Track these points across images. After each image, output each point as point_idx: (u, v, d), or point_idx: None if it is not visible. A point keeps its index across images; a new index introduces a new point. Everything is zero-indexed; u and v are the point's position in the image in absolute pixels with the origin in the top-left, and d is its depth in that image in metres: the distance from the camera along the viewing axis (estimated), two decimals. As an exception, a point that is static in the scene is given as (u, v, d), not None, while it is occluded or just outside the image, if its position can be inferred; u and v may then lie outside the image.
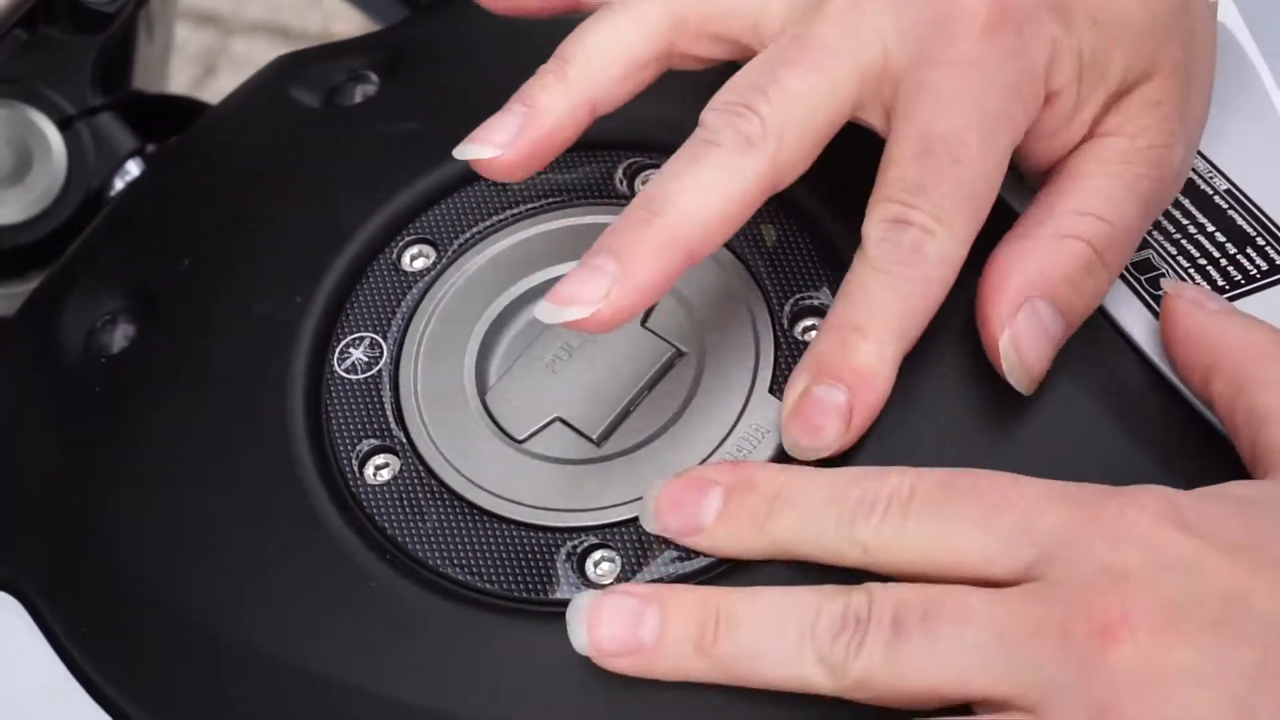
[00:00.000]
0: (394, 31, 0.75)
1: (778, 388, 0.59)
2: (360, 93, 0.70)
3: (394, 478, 0.59)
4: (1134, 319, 0.60)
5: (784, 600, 0.51)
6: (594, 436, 0.59)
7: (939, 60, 0.55)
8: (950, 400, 0.58)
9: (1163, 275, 0.62)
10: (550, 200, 0.64)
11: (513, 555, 0.57)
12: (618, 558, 0.57)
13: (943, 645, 0.47)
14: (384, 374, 0.61)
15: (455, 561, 0.57)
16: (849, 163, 0.59)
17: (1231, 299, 0.61)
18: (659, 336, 0.61)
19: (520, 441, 0.60)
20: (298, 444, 0.60)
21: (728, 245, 0.62)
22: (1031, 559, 0.48)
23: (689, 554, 0.56)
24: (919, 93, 0.55)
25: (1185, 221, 0.63)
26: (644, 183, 0.64)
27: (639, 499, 0.57)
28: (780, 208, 0.62)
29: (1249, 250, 0.62)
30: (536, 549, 0.57)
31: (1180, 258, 0.62)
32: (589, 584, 0.57)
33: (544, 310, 0.54)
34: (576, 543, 0.57)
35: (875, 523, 0.50)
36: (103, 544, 0.61)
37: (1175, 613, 0.46)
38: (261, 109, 0.71)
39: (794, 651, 0.50)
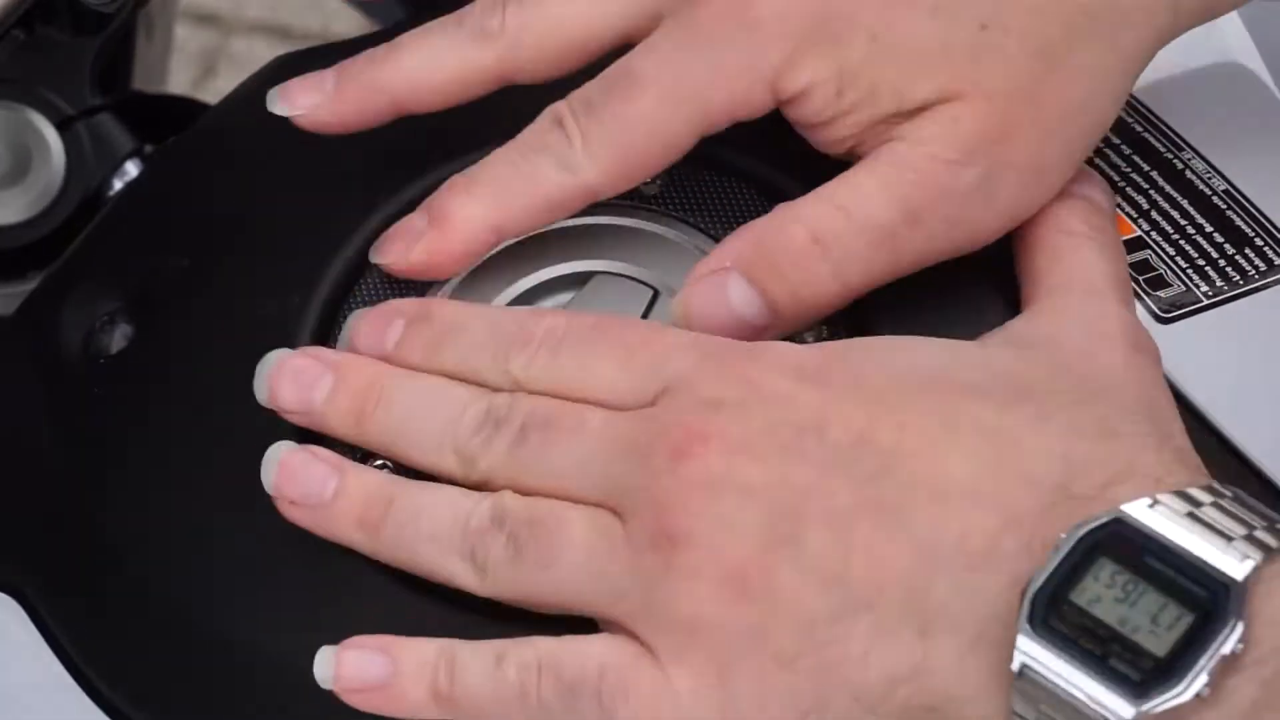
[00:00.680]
0: (394, 32, 0.75)
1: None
2: (359, 93, 0.70)
3: (392, 478, 0.59)
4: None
5: (441, 391, 0.55)
6: (592, 437, 0.59)
7: (677, 14, 0.57)
8: None
9: (1161, 275, 0.62)
10: (549, 201, 0.64)
11: (511, 556, 0.57)
12: (616, 558, 0.57)
13: (554, 451, 0.52)
14: (382, 375, 0.61)
15: (453, 562, 0.57)
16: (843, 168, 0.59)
17: (1230, 299, 0.61)
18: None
19: (518, 442, 0.60)
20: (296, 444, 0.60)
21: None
22: (655, 391, 0.52)
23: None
24: (650, 38, 0.57)
25: (1184, 222, 0.63)
26: (643, 185, 0.64)
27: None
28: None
29: (1247, 251, 0.62)
30: (534, 550, 0.57)
31: (1179, 258, 0.62)
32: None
33: (270, 97, 0.61)
34: (574, 543, 0.57)
35: (527, 357, 0.54)
36: (101, 544, 0.61)
37: (751, 437, 0.50)
38: (261, 109, 0.71)
39: (435, 438, 0.55)
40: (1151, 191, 0.64)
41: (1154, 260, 0.62)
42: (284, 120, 0.62)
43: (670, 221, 0.63)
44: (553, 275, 0.63)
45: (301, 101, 0.60)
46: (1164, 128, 0.66)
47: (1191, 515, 0.47)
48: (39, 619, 0.61)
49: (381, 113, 0.60)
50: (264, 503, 0.58)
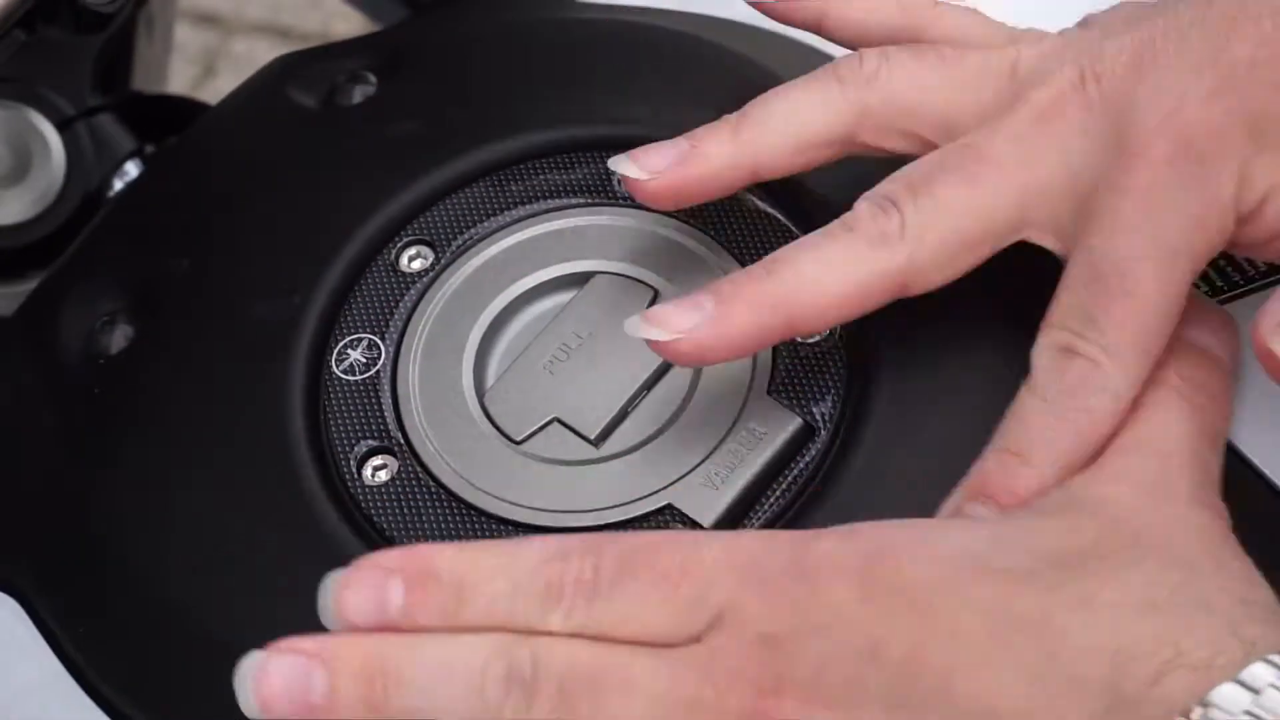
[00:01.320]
0: (393, 32, 0.75)
1: (775, 389, 0.59)
2: (359, 93, 0.70)
3: (392, 478, 0.59)
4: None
5: (451, 655, 0.49)
6: (592, 437, 0.59)
7: (1117, 186, 0.53)
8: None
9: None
10: (549, 201, 0.64)
11: (511, 556, 0.57)
12: (616, 559, 0.57)
13: (607, 717, 0.48)
14: (382, 375, 0.61)
15: (453, 562, 0.57)
16: (854, 169, 0.59)
17: (1231, 299, 0.61)
18: (657, 337, 0.60)
19: (518, 442, 0.60)
20: (296, 445, 0.60)
21: (725, 246, 0.62)
22: (702, 625, 0.49)
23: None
24: (1093, 218, 0.54)
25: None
26: None
27: (637, 500, 0.57)
28: (779, 208, 0.62)
29: (1248, 251, 0.62)
30: (534, 550, 0.57)
31: (1179, 259, 0.62)
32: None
33: (632, 324, 0.55)
34: (575, 544, 0.57)
35: (562, 613, 0.49)
36: (101, 544, 0.61)
37: (815, 678, 0.47)
38: (260, 110, 0.71)
39: (465, 713, 0.49)
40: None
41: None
42: (282, 121, 0.62)
43: (670, 221, 0.63)
44: (553, 275, 0.63)
45: (677, 324, 0.55)
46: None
47: (1250, 715, 0.45)
48: (38, 617, 0.61)
49: (775, 332, 0.55)
50: (264, 501, 0.58)
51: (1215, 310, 0.57)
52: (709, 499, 0.57)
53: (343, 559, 0.57)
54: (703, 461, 0.58)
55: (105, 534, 0.61)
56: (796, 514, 0.57)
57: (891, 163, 0.57)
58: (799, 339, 0.59)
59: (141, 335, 0.65)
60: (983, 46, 0.58)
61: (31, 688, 0.60)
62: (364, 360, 0.62)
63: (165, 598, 0.59)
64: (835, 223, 0.56)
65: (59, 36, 0.78)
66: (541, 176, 0.65)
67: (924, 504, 0.56)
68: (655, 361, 0.60)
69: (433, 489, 0.59)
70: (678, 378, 0.60)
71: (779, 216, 0.62)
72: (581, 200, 0.64)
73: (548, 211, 0.64)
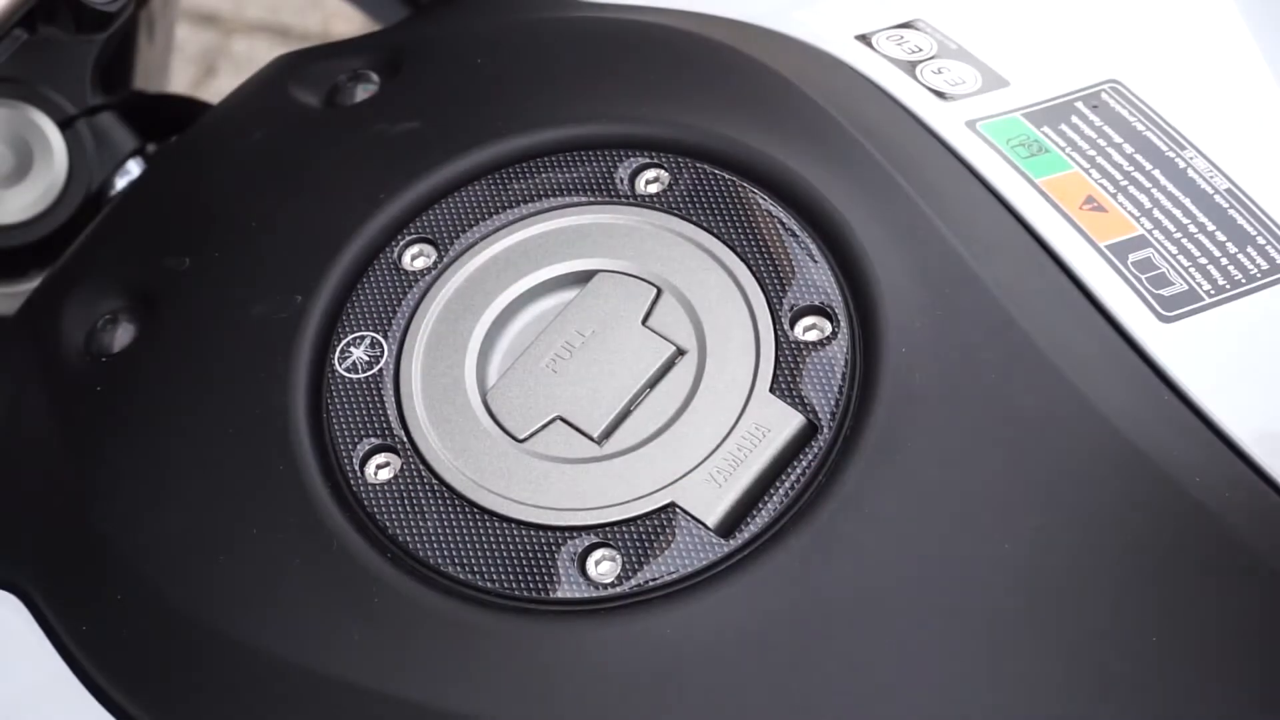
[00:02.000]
0: (394, 31, 0.75)
1: (778, 387, 0.59)
2: (361, 92, 0.70)
3: (395, 476, 0.59)
4: (1136, 319, 0.60)
5: None
6: (595, 435, 0.59)
7: None
8: None
9: (1164, 273, 0.62)
10: (551, 200, 0.64)
11: (513, 554, 0.57)
12: (618, 557, 0.57)
13: None
14: (385, 373, 0.61)
15: (456, 560, 0.57)
16: (849, 167, 0.59)
17: (1232, 298, 0.61)
18: (659, 336, 0.61)
19: (521, 440, 0.60)
20: (298, 443, 0.60)
21: (729, 245, 0.62)
22: None
23: (688, 553, 0.56)
24: None
25: (1186, 220, 0.63)
26: (646, 183, 0.64)
27: (640, 497, 0.57)
28: (783, 206, 0.62)
29: (1249, 249, 0.62)
30: (537, 547, 0.57)
31: (1181, 256, 0.62)
32: (589, 583, 0.57)
33: None
34: (577, 541, 0.57)
35: None
36: (103, 542, 0.61)
37: None
38: (262, 109, 0.71)
39: None
40: (1154, 190, 0.64)
41: (1156, 258, 0.62)
42: (284, 120, 0.62)
43: (672, 219, 0.63)
44: (555, 274, 0.63)
45: None
46: (1166, 126, 0.66)
47: None
48: (40, 616, 0.61)
49: None
50: (267, 499, 0.58)
51: None
52: (712, 496, 0.57)
53: (344, 558, 0.57)
54: (706, 459, 0.58)
55: (107, 532, 0.61)
56: (800, 511, 0.57)
57: None
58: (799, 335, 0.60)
59: (143, 334, 0.65)
60: None
61: (34, 686, 0.60)
62: (366, 358, 0.62)
63: (167, 596, 0.59)
64: None
65: (60, 36, 0.78)
66: (543, 175, 0.65)
67: (924, 502, 0.56)
68: (658, 360, 0.60)
69: (435, 487, 0.59)
70: (680, 376, 0.60)
71: (781, 216, 0.62)
72: (583, 199, 0.64)
73: (550, 210, 0.64)
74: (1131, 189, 0.64)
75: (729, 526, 0.57)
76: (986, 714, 0.55)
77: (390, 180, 0.65)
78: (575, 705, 0.55)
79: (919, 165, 0.63)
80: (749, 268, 0.61)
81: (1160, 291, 0.61)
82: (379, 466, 0.60)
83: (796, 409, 0.58)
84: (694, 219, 0.63)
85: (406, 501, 0.59)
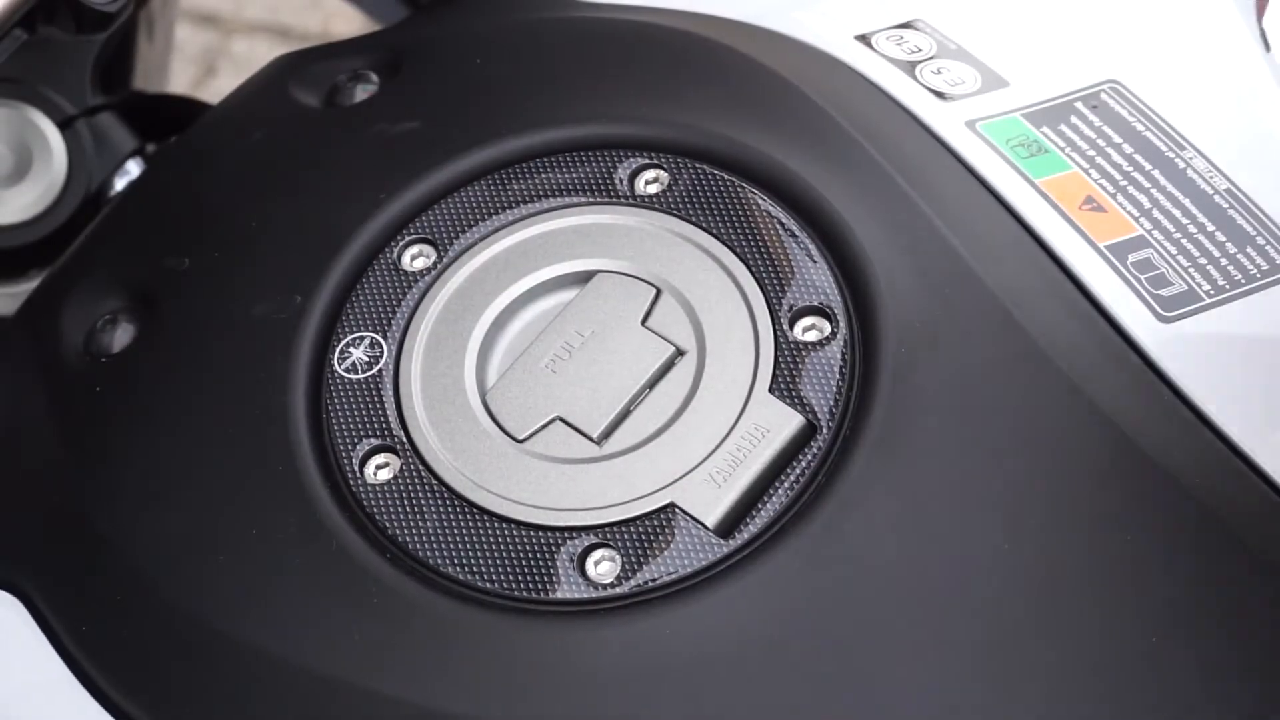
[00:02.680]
0: (394, 31, 0.75)
1: (777, 387, 0.59)
2: (360, 92, 0.70)
3: (394, 477, 0.59)
4: (1135, 319, 0.60)
5: None
6: (594, 436, 0.59)
7: None
8: None
9: (1163, 274, 0.62)
10: (551, 200, 0.64)
11: (513, 554, 0.57)
12: (618, 557, 0.57)
13: None
14: (384, 374, 0.61)
15: (455, 560, 0.57)
16: (849, 167, 0.59)
17: (1231, 298, 0.61)
18: (659, 336, 0.61)
19: (520, 441, 0.60)
20: (298, 443, 0.60)
21: (728, 245, 0.62)
22: None
23: (687, 553, 0.56)
24: None
25: (1186, 221, 0.63)
26: (645, 184, 0.64)
27: (639, 498, 0.57)
28: (782, 207, 0.62)
29: (1249, 249, 0.62)
30: (537, 548, 0.57)
31: (1181, 256, 0.62)
32: (589, 583, 0.57)
33: None
34: (577, 542, 0.57)
35: None
36: (103, 543, 0.61)
37: None
38: (262, 109, 0.71)
39: None
40: (1153, 190, 0.64)
41: (1156, 259, 0.62)
42: (284, 120, 0.62)
43: (672, 219, 0.63)
44: (555, 274, 0.63)
45: None
46: (1166, 126, 0.66)
47: None
48: (40, 617, 0.61)
49: None
50: (266, 499, 0.58)
51: None
52: (711, 497, 0.57)
53: (344, 558, 0.57)
54: (705, 460, 0.58)
55: (106, 532, 0.61)
56: (799, 511, 0.57)
57: None
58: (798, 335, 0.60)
59: (143, 334, 0.65)
60: None
61: (33, 686, 0.60)
62: (366, 359, 0.62)
63: (166, 596, 0.59)
64: None
65: (60, 36, 0.78)
66: (543, 175, 0.65)
67: (924, 502, 0.56)
68: (658, 360, 0.60)
69: (435, 487, 0.59)
70: (680, 376, 0.60)
71: (781, 216, 0.62)
72: (583, 199, 0.64)
73: (550, 210, 0.64)
74: (1131, 190, 0.64)
75: (728, 527, 0.57)
76: (986, 714, 0.55)
77: (390, 180, 0.65)
78: (574, 706, 0.55)
79: (918, 165, 0.63)
80: (748, 268, 0.61)
81: (1160, 291, 0.61)
82: (378, 467, 0.60)
83: (796, 409, 0.58)
84: (693, 219, 0.63)
85: (406, 502, 0.59)
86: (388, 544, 0.58)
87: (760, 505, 0.57)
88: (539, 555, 0.57)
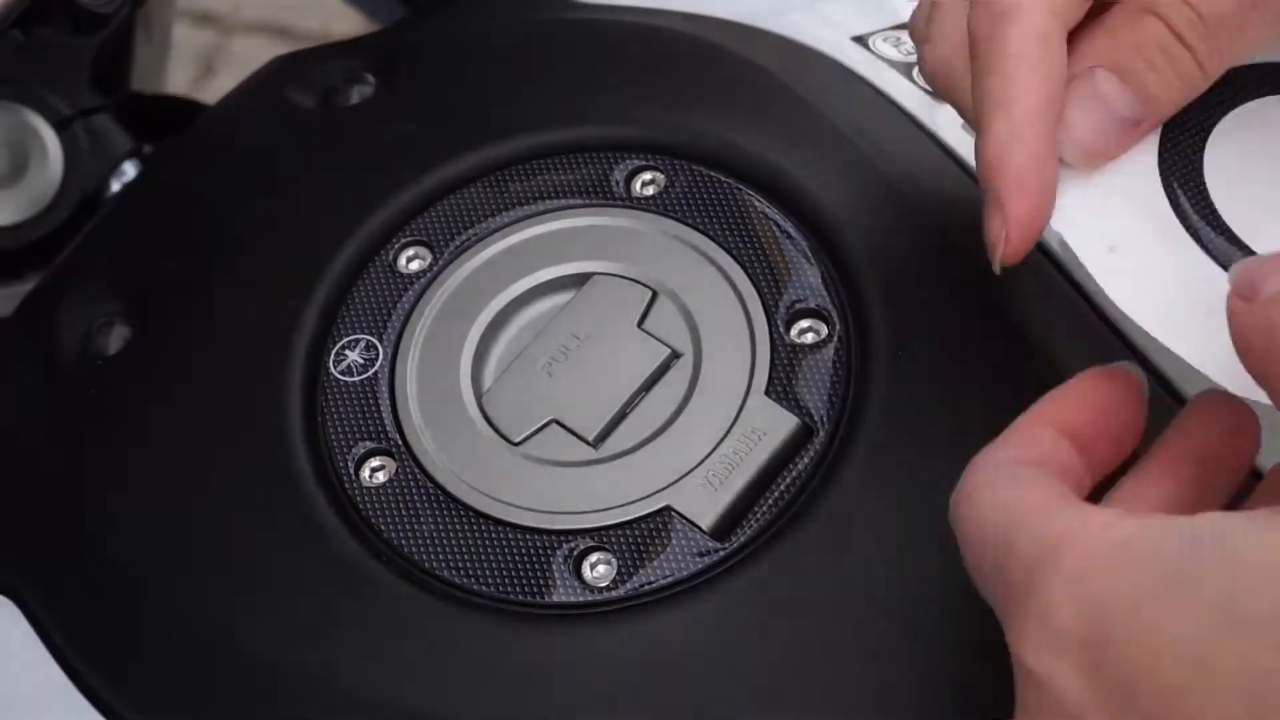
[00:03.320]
0: (391, 33, 0.75)
1: (774, 390, 0.59)
2: (357, 94, 0.70)
3: (390, 480, 0.59)
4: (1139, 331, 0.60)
5: None
6: (590, 438, 0.59)
7: None
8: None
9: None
10: (547, 202, 0.64)
11: (509, 558, 0.57)
12: (614, 560, 0.57)
13: None
14: (380, 376, 0.61)
15: (451, 564, 0.57)
16: (845, 169, 0.59)
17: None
18: (655, 338, 0.60)
19: (516, 443, 0.60)
20: (294, 446, 0.60)
21: (725, 247, 0.62)
22: None
23: (684, 556, 0.56)
24: None
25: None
26: (642, 186, 0.64)
27: (635, 501, 0.57)
28: (780, 209, 0.62)
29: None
30: (532, 551, 0.57)
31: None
32: (585, 586, 0.56)
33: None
34: (573, 545, 0.57)
35: None
36: (99, 547, 0.61)
37: None
38: (258, 110, 0.71)
39: None
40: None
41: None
42: (280, 122, 0.62)
43: (668, 222, 0.63)
44: (551, 276, 0.63)
45: None
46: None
47: None
48: (36, 621, 0.61)
49: None
50: (262, 503, 0.58)
51: None
52: (707, 499, 0.57)
53: (340, 562, 0.57)
54: (701, 462, 0.58)
55: (103, 536, 0.61)
56: (796, 514, 0.57)
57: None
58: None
59: (139, 336, 0.65)
60: None
61: (30, 692, 0.60)
62: (362, 361, 0.62)
63: (163, 600, 0.59)
64: None
65: (56, 37, 0.78)
66: (540, 177, 0.64)
67: (922, 504, 0.56)
68: (654, 362, 0.60)
69: (431, 490, 0.59)
70: (676, 378, 0.60)
71: (778, 218, 0.62)
72: (580, 201, 0.64)
73: (546, 212, 0.64)
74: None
75: (725, 529, 0.57)
76: (984, 716, 0.55)
77: (386, 182, 0.65)
78: (571, 708, 0.55)
79: (916, 167, 0.63)
80: (745, 270, 0.61)
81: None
82: (374, 470, 0.60)
83: (792, 412, 0.58)
84: (690, 221, 0.63)
85: (402, 505, 0.59)
86: (383, 547, 0.58)
87: (756, 508, 0.57)
88: (535, 558, 0.57)
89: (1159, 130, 0.55)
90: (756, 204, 0.63)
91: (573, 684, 0.55)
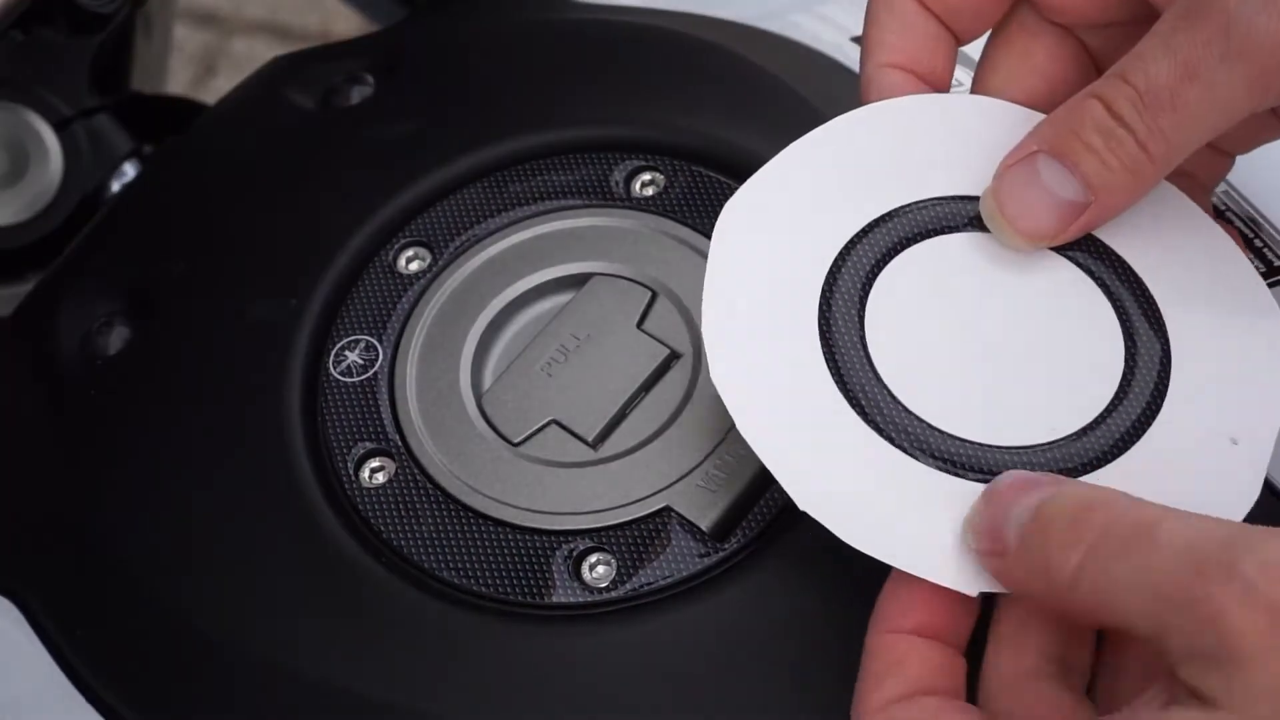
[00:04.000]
0: (390, 33, 0.75)
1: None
2: (357, 94, 0.70)
3: (389, 480, 0.59)
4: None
5: None
6: (590, 439, 0.59)
7: None
8: None
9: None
10: (547, 203, 0.64)
11: (508, 558, 0.57)
12: (613, 560, 0.57)
13: None
14: (380, 377, 0.61)
15: (451, 564, 0.57)
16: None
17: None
18: (654, 339, 0.60)
19: (516, 444, 0.60)
20: (293, 447, 0.60)
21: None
22: None
23: (684, 560, 0.56)
24: None
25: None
26: (642, 186, 0.64)
27: (635, 502, 0.57)
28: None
29: (1247, 252, 0.62)
30: (532, 552, 0.57)
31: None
32: (585, 587, 0.56)
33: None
34: (572, 546, 0.57)
35: None
36: (99, 548, 0.61)
37: None
38: (258, 110, 0.71)
39: None
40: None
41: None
42: (279, 123, 0.62)
43: (667, 222, 0.63)
44: (551, 277, 0.63)
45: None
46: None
47: None
48: (36, 623, 0.61)
49: None
50: (262, 504, 0.58)
51: None
52: (706, 501, 0.57)
53: (340, 562, 0.57)
54: (701, 463, 0.58)
55: (103, 537, 0.61)
56: (795, 515, 0.57)
57: None
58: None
59: (139, 337, 0.65)
60: None
61: (30, 693, 0.60)
62: (361, 362, 0.62)
63: (163, 601, 0.59)
64: None
65: (56, 37, 0.78)
66: (539, 178, 0.64)
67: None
68: (653, 363, 0.60)
69: (430, 491, 0.59)
70: (676, 379, 0.60)
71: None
72: (579, 201, 0.64)
73: (545, 213, 0.64)
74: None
75: (724, 530, 0.57)
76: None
77: (386, 183, 0.65)
78: (570, 709, 0.55)
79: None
80: (745, 271, 0.61)
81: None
82: (374, 470, 0.60)
83: (792, 412, 0.58)
84: (690, 222, 0.63)
85: (401, 505, 0.59)
86: (383, 548, 0.58)
87: (756, 509, 0.57)
88: (534, 559, 0.57)
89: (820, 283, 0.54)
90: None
91: (572, 684, 0.55)
